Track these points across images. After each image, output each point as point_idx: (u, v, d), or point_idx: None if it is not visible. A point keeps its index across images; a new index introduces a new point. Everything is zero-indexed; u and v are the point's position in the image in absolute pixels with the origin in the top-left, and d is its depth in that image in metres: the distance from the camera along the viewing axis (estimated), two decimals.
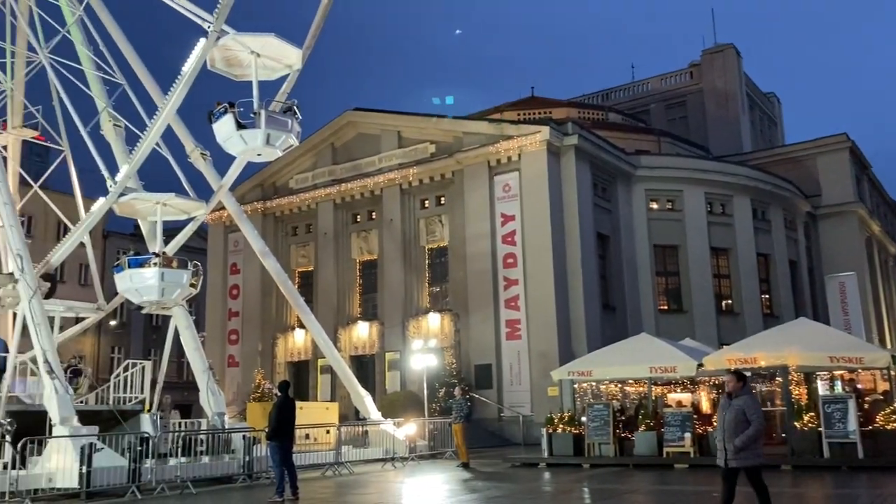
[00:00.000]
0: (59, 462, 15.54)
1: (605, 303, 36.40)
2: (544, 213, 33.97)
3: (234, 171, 20.80)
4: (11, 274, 19.53)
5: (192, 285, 19.82)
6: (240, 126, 18.05)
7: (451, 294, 36.92)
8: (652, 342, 22.52)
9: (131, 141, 22.18)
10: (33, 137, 25.83)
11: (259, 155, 19.15)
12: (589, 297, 34.27)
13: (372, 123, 40.98)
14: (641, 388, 22.68)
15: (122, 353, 49.86)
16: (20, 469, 14.53)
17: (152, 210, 20.25)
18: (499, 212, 35.34)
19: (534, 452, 23.59)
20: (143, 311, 22.76)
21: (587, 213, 35.59)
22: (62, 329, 23.92)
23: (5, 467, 15.13)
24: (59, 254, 20.82)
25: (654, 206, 39.63)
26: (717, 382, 21.67)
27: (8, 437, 15.79)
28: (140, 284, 19.10)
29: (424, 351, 30.65)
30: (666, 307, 38.98)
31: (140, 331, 53.54)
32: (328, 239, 40.91)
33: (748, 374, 11.42)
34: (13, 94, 24.93)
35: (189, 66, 18.68)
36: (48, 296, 20.23)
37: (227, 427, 20.91)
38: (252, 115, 18.12)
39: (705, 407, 21.99)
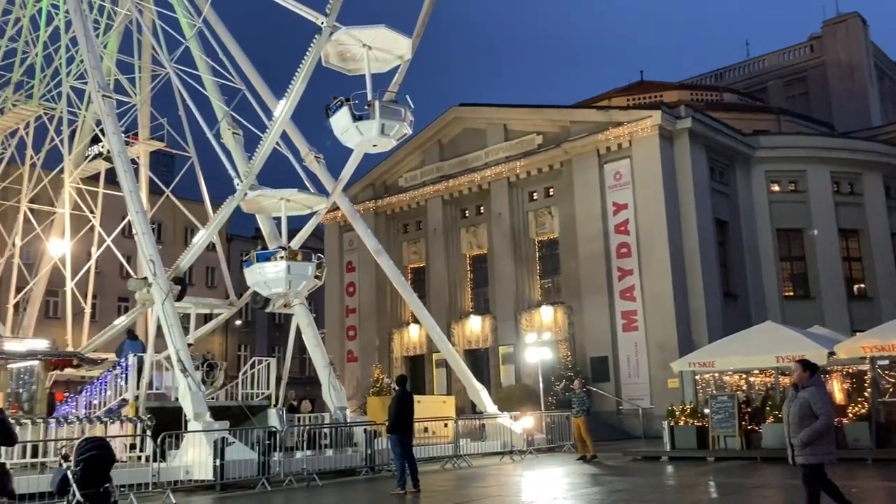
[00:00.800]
0: (194, 455, 16.40)
1: (727, 291, 35.05)
2: (658, 200, 33.05)
3: (352, 164, 21.12)
4: (145, 278, 20.73)
5: (316, 277, 20.33)
6: (355, 118, 18.44)
7: (564, 286, 36.51)
8: (778, 330, 21.52)
9: (250, 148, 23.18)
10: (160, 148, 27.34)
11: (374, 146, 19.43)
12: (708, 286, 33.10)
13: (478, 118, 41.03)
14: (768, 379, 21.71)
15: (248, 351, 52.14)
16: (160, 462, 15.42)
17: (276, 206, 20.89)
18: (610, 201, 34.65)
19: (655, 446, 23.01)
20: (267, 311, 23.69)
21: (704, 198, 34.36)
22: (196, 326, 25.12)
23: (147, 460, 16.08)
24: (190, 256, 21.90)
25: (776, 188, 37.79)
26: (851, 371, 20.48)
27: (149, 432, 16.76)
28: (268, 277, 19.77)
29: (538, 344, 30.47)
30: (791, 293, 37.14)
31: (264, 329, 55.85)
32: (438, 235, 41.31)
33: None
34: (142, 107, 26.49)
35: (306, 63, 19.19)
36: (179, 298, 21.32)
37: (349, 421, 21.48)
38: (366, 108, 18.46)
39: (838, 398, 20.81)
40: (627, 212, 33.96)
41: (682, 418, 20.97)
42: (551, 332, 34.83)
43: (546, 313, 36.39)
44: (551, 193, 37.85)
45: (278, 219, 21.80)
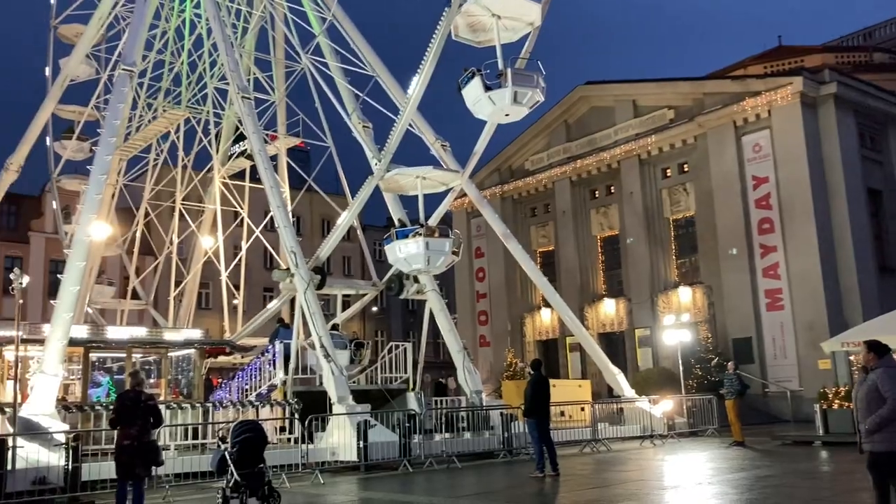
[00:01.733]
0: (339, 437, 17.08)
1: (882, 265, 32.70)
2: (802, 171, 31.21)
3: (485, 136, 21.04)
4: (288, 269, 21.71)
5: (453, 252, 20.48)
6: (487, 88, 18.35)
7: (702, 265, 35.22)
8: None
9: (380, 139, 23.71)
10: (297, 144, 28.51)
11: (507, 115, 19.22)
12: (861, 261, 30.97)
13: (605, 95, 40.12)
14: None
15: (384, 337, 53.60)
16: (308, 443, 16.16)
17: (413, 184, 21.12)
18: (749, 174, 33.04)
19: (805, 430, 21.84)
20: (401, 297, 24.28)
21: (853, 167, 32.11)
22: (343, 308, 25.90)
23: (296, 442, 16.89)
24: (331, 243, 22.62)
25: None
26: None
27: (297, 415, 17.59)
28: (407, 254, 20.08)
29: (677, 326, 29.57)
30: None
31: (399, 315, 57.22)
32: (567, 217, 40.81)
33: None
34: (280, 104, 27.71)
35: (437, 37, 19.33)
36: (319, 287, 22.18)
37: (485, 404, 21.69)
38: (497, 78, 18.34)
39: None
40: (769, 185, 32.27)
41: (836, 401, 19.78)
42: (690, 313, 33.72)
43: (684, 294, 35.24)
44: (686, 169, 36.52)
45: (412, 198, 22.03)
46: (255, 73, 27.43)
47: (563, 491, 12.82)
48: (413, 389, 22.29)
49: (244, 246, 29.99)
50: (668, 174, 37.29)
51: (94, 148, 26.12)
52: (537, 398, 14.76)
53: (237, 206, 29.39)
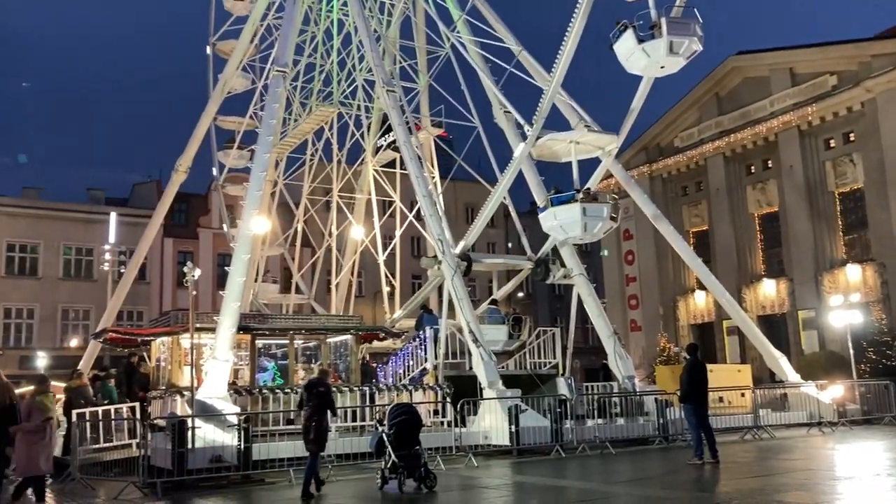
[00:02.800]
0: (491, 421, 17.26)
1: None
2: None
3: (641, 93, 20.30)
4: (435, 256, 22.13)
5: (612, 218, 20.02)
6: (640, 40, 17.71)
7: (874, 241, 32.64)
8: None
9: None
10: (440, 134, 28.95)
11: (662, 67, 18.45)
12: None
13: (759, 65, 37.93)
14: None
15: (531, 322, 53.47)
16: (461, 427, 16.44)
17: (566, 150, 20.72)
18: None
19: None
20: (548, 282, 24.13)
21: None
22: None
23: (449, 425, 17.22)
24: (477, 228, 22.78)
25: None
26: None
27: (448, 399, 17.93)
28: (564, 221, 19.76)
29: (845, 307, 27.57)
30: None
31: (545, 301, 56.92)
32: (721, 195, 39.01)
33: None
34: (423, 93, 28.23)
35: None
36: (466, 273, 22.44)
37: (638, 390, 21.20)
38: (651, 30, 17.65)
39: None
40: None
41: None
42: (861, 293, 31.35)
43: (853, 272, 32.84)
44: (852, 139, 33.92)
45: (561, 170, 21.68)
46: (400, 63, 28.02)
47: (724, 479, 12.31)
48: (563, 375, 22.14)
49: (398, 233, 30.79)
50: (832, 145, 34.77)
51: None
52: (694, 383, 14.26)
53: (389, 194, 30.31)
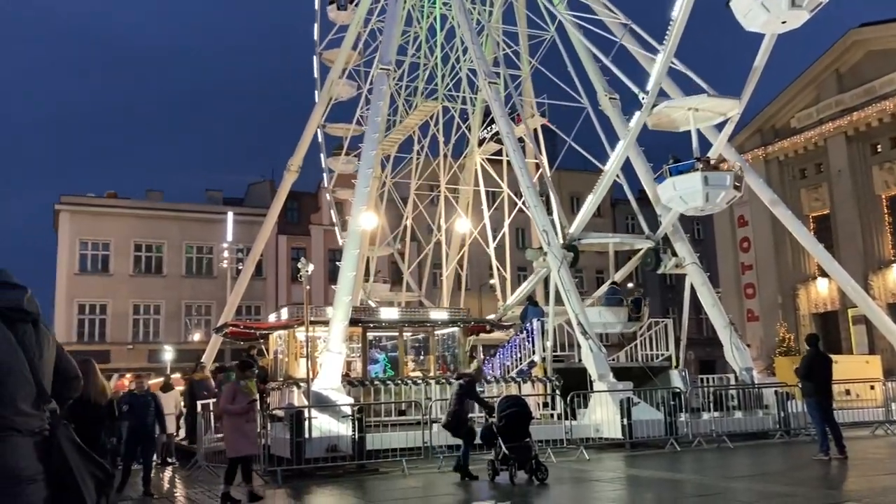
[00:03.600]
0: (602, 414, 17.01)
1: None
2: None
3: (764, 52, 19.27)
4: (541, 248, 21.96)
5: (735, 187, 19.26)
6: None
7: None
8: None
9: (627, 111, 23.11)
10: (543, 123, 28.67)
11: (784, 22, 17.50)
12: None
13: (885, 37, 35.62)
14: None
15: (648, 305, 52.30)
16: (571, 419, 16.28)
17: (685, 118, 20.03)
18: None
19: None
20: (659, 272, 23.51)
21: None
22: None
23: (559, 418, 17.09)
24: (585, 214, 22.45)
25: None
26: None
27: (558, 392, 17.80)
28: (684, 191, 19.12)
29: None
30: None
31: (656, 291, 55.48)
32: (844, 176, 36.91)
33: None
34: (525, 83, 28.03)
35: None
36: (572, 264, 22.19)
37: (756, 382, 20.40)
38: None
39: None
40: None
41: None
42: None
43: None
44: None
45: (678, 139, 20.95)
46: (504, 49, 27.86)
47: (853, 475, 11.68)
48: (676, 367, 21.56)
49: (506, 222, 30.71)
50: None
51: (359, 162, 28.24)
52: (815, 376, 13.57)
53: (496, 186, 30.31)
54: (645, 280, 54.23)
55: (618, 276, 23.63)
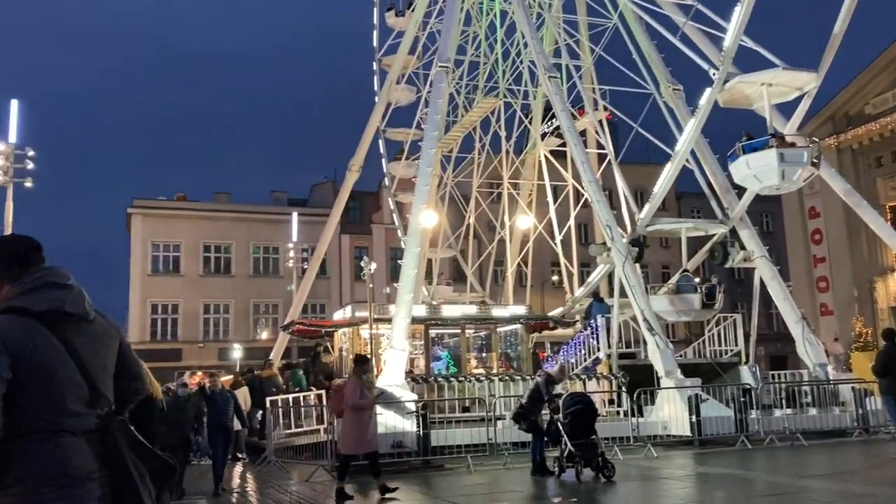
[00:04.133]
0: (670, 411, 16.71)
1: None
2: None
3: (845, 15, 18.60)
4: (604, 243, 21.70)
5: (812, 164, 18.65)
6: None
7: None
8: None
9: (691, 101, 22.60)
10: (604, 117, 28.28)
11: None
12: None
13: None
14: None
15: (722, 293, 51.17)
16: (638, 417, 16.04)
17: (758, 93, 19.49)
18: None
19: None
20: (726, 266, 22.97)
21: None
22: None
23: (625, 415, 16.85)
24: (654, 202, 22.05)
25: None
26: None
27: (624, 389, 17.55)
28: (758, 169, 18.59)
29: None
30: None
31: (724, 285, 54.26)
32: None
33: None
34: (585, 76, 27.72)
35: None
36: (637, 260, 21.83)
37: (831, 378, 19.75)
38: None
39: None
40: None
41: None
42: None
43: None
44: None
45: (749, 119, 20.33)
46: (566, 40, 27.57)
47: None
48: (746, 363, 21.04)
49: (572, 216, 30.40)
50: None
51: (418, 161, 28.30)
52: (894, 372, 13.04)
53: (558, 181, 30.09)
54: (713, 274, 53.05)
55: (690, 265, 22.93)
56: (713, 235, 22.58)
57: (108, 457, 2.72)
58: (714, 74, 19.67)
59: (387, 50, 31.96)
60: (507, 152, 31.67)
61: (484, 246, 33.74)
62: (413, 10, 29.98)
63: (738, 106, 20.53)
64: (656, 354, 18.19)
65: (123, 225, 45.75)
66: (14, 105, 21.67)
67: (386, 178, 33.66)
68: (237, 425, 13.98)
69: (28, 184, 21.58)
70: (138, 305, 42.33)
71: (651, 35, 24.38)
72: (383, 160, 33.30)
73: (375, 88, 32.79)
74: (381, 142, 32.77)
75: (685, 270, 22.29)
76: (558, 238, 29.86)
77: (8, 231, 21.23)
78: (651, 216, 22.19)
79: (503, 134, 31.87)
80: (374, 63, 32.88)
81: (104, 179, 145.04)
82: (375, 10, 32.97)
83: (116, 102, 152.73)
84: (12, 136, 21.59)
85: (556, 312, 27.88)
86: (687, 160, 22.33)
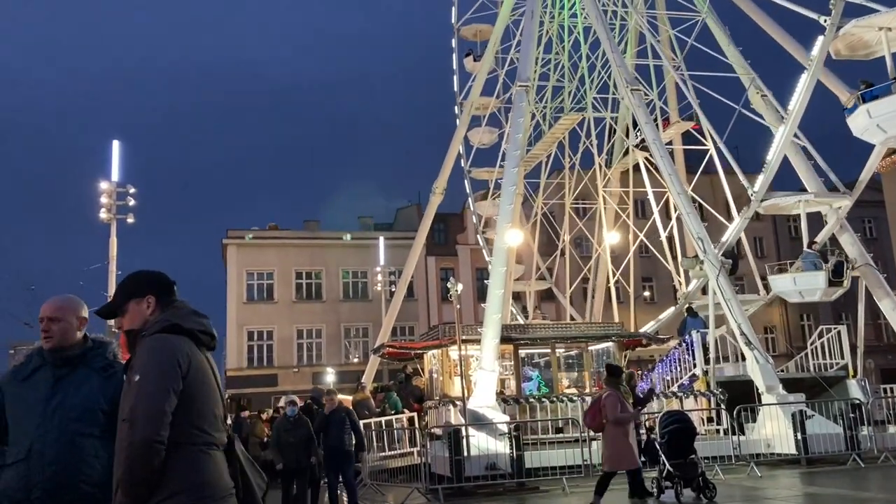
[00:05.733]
0: (773, 429, 16.02)
1: None
2: None
3: None
4: (696, 256, 21.12)
5: None
6: None
7: None
8: None
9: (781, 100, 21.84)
10: (691, 128, 27.63)
11: None
12: None
13: None
14: None
15: (811, 321, 49.06)
16: (739, 434, 15.44)
17: (877, 40, 18.32)
18: None
19: None
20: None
21: None
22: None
23: (725, 433, 16.26)
24: (768, 172, 21.30)
25: None
26: None
27: (723, 406, 16.95)
28: (882, 117, 17.41)
29: None
30: None
31: (853, 262, 51.90)
32: None
33: None
34: (668, 86, 27.22)
35: None
36: (731, 272, 21.14)
37: None
38: None
39: None
40: None
41: None
42: None
43: None
44: None
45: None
46: (650, 42, 27.21)
47: None
48: (854, 376, 20.00)
49: (673, 224, 29.79)
50: None
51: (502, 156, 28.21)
52: None
53: (644, 195, 29.56)
54: (837, 250, 50.83)
55: (820, 237, 21.60)
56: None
57: (234, 473, 2.95)
58: (825, 21, 18.74)
59: (466, 93, 32.48)
60: (601, 166, 31.21)
61: (575, 266, 33.18)
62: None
63: (854, 56, 19.38)
64: (756, 369, 17.52)
65: (219, 255, 47.49)
66: (115, 145, 22.95)
67: (473, 217, 33.85)
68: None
69: (130, 220, 22.75)
70: (235, 333, 43.68)
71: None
72: (469, 199, 33.64)
73: (459, 134, 33.24)
74: (466, 181, 33.15)
75: (811, 245, 20.75)
76: (631, 260, 29.08)
77: (113, 266, 22.42)
78: (766, 188, 21.04)
79: (594, 149, 31.45)
80: (456, 107, 33.37)
81: (199, 212, 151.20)
82: (454, 55, 33.57)
83: (206, 137, 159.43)
84: (114, 174, 22.87)
85: (648, 327, 27.25)
86: (796, 135, 21.23)
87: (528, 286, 32.02)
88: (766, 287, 24.48)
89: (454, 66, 33.69)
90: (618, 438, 10.40)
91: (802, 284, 20.36)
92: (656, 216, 28.92)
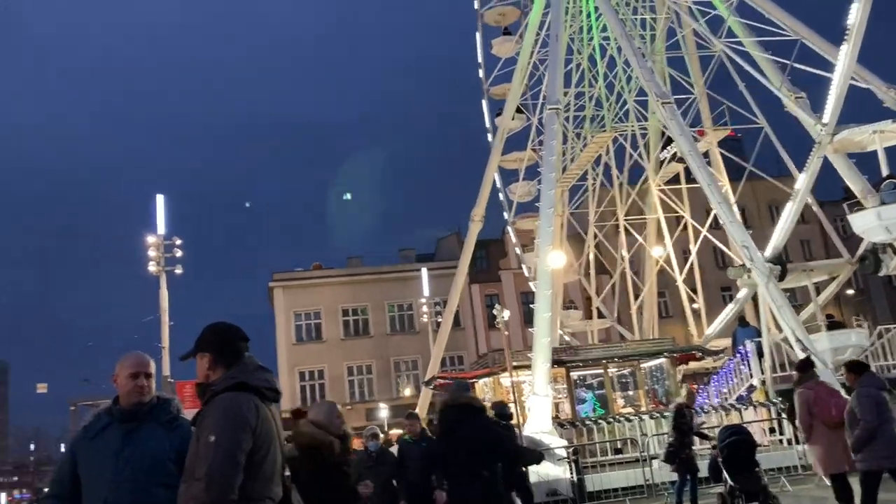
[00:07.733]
0: None
1: None
2: None
3: None
4: (743, 265, 20.81)
5: None
6: None
7: None
8: None
9: (816, 107, 21.55)
10: (727, 135, 27.43)
11: None
12: None
13: None
14: None
15: (868, 321, 47.79)
16: (804, 444, 15.05)
17: (870, 140, 18.87)
18: None
19: None
20: (881, 274, 21.50)
21: None
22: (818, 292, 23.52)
23: (789, 443, 15.90)
24: (784, 228, 21.08)
25: None
26: None
27: (784, 415, 16.58)
28: (891, 223, 17.57)
29: None
30: None
31: (881, 295, 50.63)
32: None
33: None
34: (701, 98, 27.09)
35: None
36: (781, 277, 20.77)
37: None
38: None
39: None
40: None
41: None
42: None
43: None
44: None
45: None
46: (669, 75, 27.25)
47: None
48: None
49: (693, 249, 29.64)
50: None
51: (538, 187, 28.34)
52: None
53: (678, 210, 29.30)
54: (867, 284, 49.67)
55: (821, 299, 21.52)
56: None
57: None
58: (820, 130, 19.32)
59: (494, 80, 32.44)
60: (622, 185, 31.09)
61: (612, 276, 32.93)
62: (522, 37, 30.31)
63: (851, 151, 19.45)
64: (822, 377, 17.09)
65: (266, 298, 48.13)
66: (160, 200, 23.58)
67: (505, 213, 33.66)
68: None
69: (178, 271, 23.27)
70: (286, 374, 44.07)
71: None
72: (504, 213, 33.60)
73: (486, 124, 33.15)
74: (500, 196, 33.09)
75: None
76: (678, 272, 28.73)
77: (165, 317, 22.91)
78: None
79: (614, 168, 31.28)
80: (483, 101, 33.31)
81: (244, 257, 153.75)
82: (479, 44, 33.25)
83: (243, 183, 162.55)
84: (160, 227, 23.47)
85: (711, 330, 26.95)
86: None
87: (590, 326, 31.87)
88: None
89: (479, 58, 33.24)
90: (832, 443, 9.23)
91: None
92: (667, 239, 28.74)
